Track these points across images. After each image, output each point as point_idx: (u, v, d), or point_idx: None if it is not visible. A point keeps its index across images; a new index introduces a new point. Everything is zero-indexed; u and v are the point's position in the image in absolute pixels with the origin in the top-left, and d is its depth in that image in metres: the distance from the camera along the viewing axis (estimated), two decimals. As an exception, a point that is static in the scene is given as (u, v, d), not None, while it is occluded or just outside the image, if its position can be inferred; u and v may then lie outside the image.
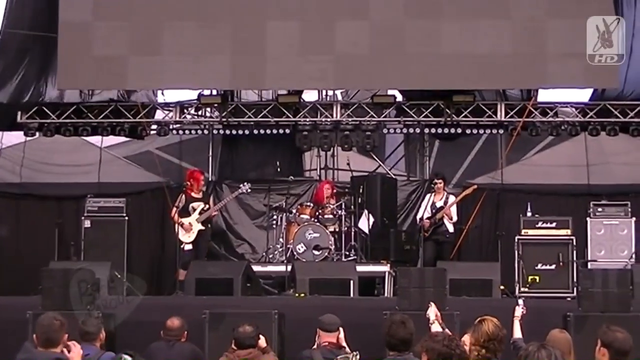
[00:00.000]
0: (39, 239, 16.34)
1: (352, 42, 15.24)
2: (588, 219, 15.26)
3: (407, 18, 15.20)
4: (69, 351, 6.75)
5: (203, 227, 14.77)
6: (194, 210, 14.76)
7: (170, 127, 16.64)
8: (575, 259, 14.58)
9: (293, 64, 15.35)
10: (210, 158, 17.50)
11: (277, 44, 15.32)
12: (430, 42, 15.14)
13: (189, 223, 14.62)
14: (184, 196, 14.86)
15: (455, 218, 15.02)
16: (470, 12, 15.12)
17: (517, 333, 8.70)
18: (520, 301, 8.35)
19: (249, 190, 15.40)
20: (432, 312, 8.42)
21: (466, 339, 7.41)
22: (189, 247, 14.61)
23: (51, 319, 6.73)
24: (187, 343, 9.93)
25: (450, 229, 15.05)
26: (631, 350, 6.76)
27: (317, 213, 15.35)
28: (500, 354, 6.84)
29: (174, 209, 14.76)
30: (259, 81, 15.77)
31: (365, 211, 15.40)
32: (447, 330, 8.09)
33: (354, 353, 8.24)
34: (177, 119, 16.47)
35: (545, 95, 15.98)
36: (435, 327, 8.15)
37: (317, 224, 15.15)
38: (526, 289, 14.34)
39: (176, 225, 14.62)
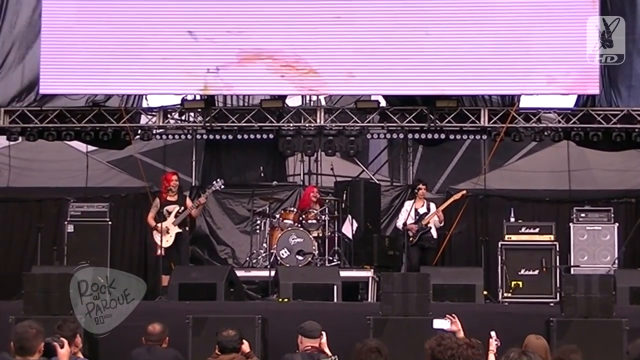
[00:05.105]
0: (21, 243, 16.31)
1: (335, 47, 15.25)
2: (571, 224, 15.31)
3: (391, 23, 15.21)
4: (61, 347, 6.62)
5: (180, 230, 14.72)
6: (169, 213, 14.70)
7: (154, 131, 16.57)
8: (558, 264, 14.61)
9: (276, 69, 15.34)
10: (194, 163, 17.45)
11: (259, 49, 15.31)
12: (414, 48, 15.16)
13: (165, 227, 14.56)
14: (158, 200, 14.85)
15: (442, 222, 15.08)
16: (454, 17, 15.15)
17: None
18: (493, 333, 8.20)
19: (222, 187, 15.42)
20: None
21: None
22: (162, 252, 14.50)
23: (26, 327, 6.59)
24: (168, 348, 9.88)
25: (435, 235, 15.09)
26: None
27: (300, 218, 15.33)
28: None
29: (150, 213, 14.80)
30: (242, 86, 15.78)
31: (349, 216, 15.40)
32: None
33: (333, 357, 8.24)
34: (161, 123, 16.40)
35: (528, 101, 15.97)
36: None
37: (301, 229, 15.13)
38: (509, 294, 14.39)
39: (153, 230, 14.65)
